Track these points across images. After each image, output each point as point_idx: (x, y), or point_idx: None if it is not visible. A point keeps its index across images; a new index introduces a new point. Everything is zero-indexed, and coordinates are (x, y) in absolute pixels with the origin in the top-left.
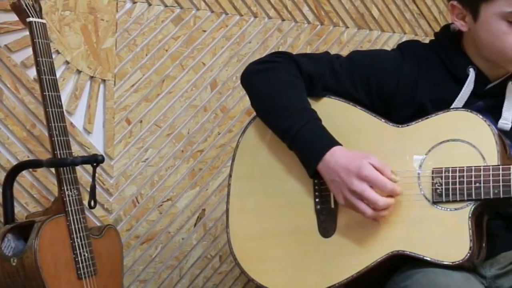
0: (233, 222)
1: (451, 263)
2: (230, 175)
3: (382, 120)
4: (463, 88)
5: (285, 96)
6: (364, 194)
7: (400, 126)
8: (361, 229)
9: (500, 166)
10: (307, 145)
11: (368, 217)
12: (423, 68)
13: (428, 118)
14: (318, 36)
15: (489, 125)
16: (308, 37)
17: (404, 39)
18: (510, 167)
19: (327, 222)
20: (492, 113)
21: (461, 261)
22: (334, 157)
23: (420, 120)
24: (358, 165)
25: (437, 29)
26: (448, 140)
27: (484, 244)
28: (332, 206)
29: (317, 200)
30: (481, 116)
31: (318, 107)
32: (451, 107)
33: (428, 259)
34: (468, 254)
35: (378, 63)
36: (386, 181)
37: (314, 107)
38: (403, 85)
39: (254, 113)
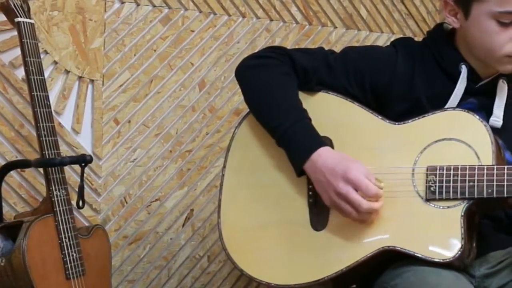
0: (225, 214)
1: (441, 261)
2: (224, 166)
3: (379, 117)
4: (457, 85)
5: (275, 94)
6: (348, 196)
7: (396, 123)
8: (353, 224)
9: (495, 166)
10: (294, 144)
11: (353, 219)
12: (417, 65)
13: (424, 116)
14: (307, 36)
15: (485, 126)
16: (297, 37)
17: (392, 39)
18: (504, 167)
19: (319, 215)
20: (483, 110)
21: (452, 259)
22: (321, 157)
23: (416, 118)
24: (344, 168)
25: (426, 29)
26: (444, 139)
27: (474, 244)
28: None
29: (310, 193)
30: (477, 117)
31: (315, 102)
32: (447, 106)
33: (419, 255)
34: (459, 252)
35: (372, 59)
36: (370, 185)
37: (311, 102)
38: (397, 81)
39: (247, 109)
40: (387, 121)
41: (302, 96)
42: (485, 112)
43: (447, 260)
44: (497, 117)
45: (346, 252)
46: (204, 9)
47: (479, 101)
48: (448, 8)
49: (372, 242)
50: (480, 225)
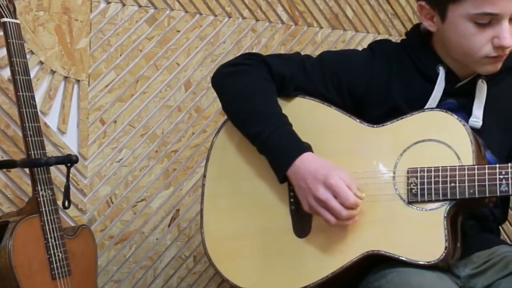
0: (208, 223)
1: (426, 263)
2: (204, 176)
3: (357, 120)
4: (435, 87)
5: (255, 101)
6: (328, 203)
7: (375, 126)
8: (336, 229)
9: (476, 166)
10: (276, 151)
11: (332, 226)
12: (395, 67)
13: (403, 118)
14: (292, 36)
15: (464, 125)
16: (282, 37)
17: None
18: (485, 167)
19: (302, 222)
20: (463, 111)
21: (436, 261)
22: (304, 163)
23: (395, 120)
24: (325, 173)
25: None
26: (423, 140)
27: (459, 244)
28: None
29: (291, 200)
30: (456, 116)
31: (293, 107)
32: (426, 107)
33: (403, 259)
34: (443, 254)
35: (348, 63)
36: (349, 194)
37: (288, 107)
38: (375, 84)
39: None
40: (366, 124)
41: (279, 101)
42: (465, 113)
43: (432, 262)
44: (477, 118)
45: (330, 258)
46: (190, 9)
47: (458, 102)
48: (424, 11)
49: (356, 247)
50: (465, 225)
